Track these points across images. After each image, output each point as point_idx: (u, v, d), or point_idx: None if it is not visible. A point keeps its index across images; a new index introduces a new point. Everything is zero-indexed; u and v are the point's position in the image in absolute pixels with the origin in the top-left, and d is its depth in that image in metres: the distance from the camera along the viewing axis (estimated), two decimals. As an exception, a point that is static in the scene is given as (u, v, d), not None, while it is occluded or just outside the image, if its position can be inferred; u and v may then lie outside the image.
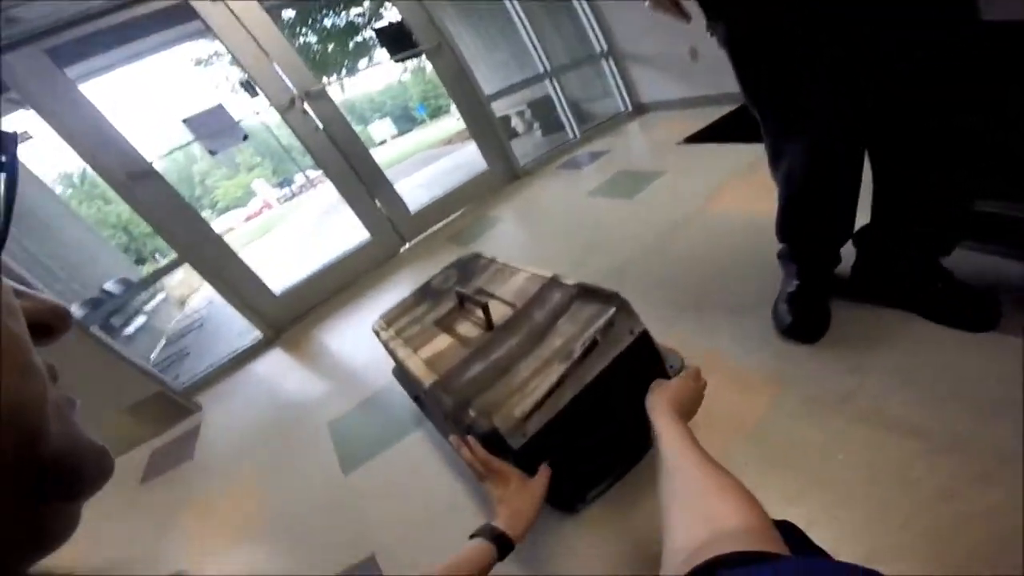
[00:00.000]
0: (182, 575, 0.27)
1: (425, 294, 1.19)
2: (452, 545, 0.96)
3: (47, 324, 0.21)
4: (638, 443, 0.95)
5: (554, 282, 0.95)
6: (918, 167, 0.89)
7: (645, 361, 0.86)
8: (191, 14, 2.35)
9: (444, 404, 0.82)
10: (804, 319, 1.06)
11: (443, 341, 0.97)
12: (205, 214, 2.65)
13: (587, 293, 0.87)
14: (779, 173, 1.02)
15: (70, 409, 0.21)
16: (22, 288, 0.20)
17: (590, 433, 0.84)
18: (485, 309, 0.93)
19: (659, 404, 0.72)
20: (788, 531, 0.55)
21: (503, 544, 0.69)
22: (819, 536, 0.71)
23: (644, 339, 0.85)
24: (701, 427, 0.96)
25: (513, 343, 0.86)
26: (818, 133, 0.90)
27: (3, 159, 0.21)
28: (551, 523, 0.93)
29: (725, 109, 2.76)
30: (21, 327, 0.19)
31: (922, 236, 0.96)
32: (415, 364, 0.94)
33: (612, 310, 0.81)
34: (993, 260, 1.03)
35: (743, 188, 1.85)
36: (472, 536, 0.71)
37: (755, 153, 2.03)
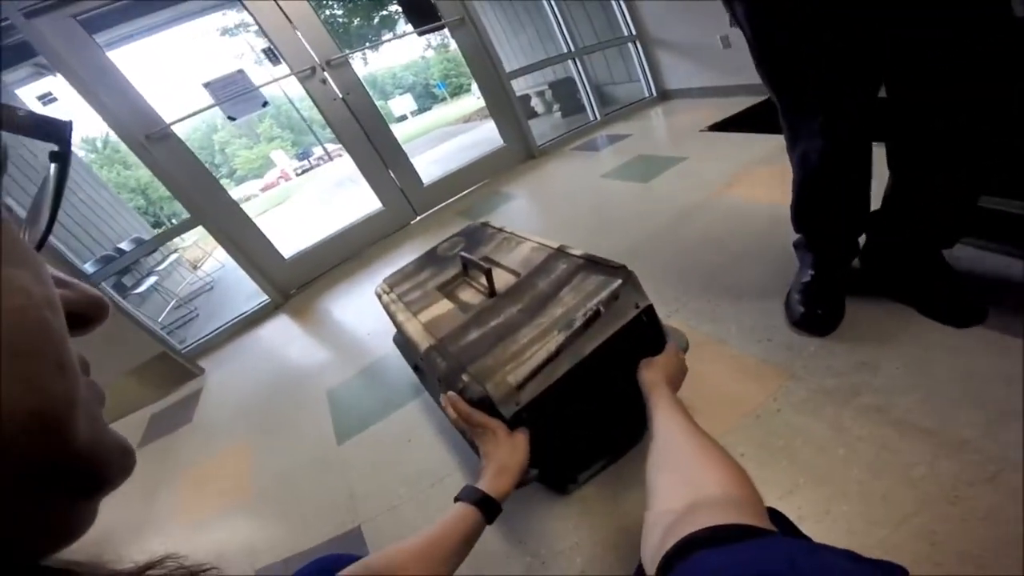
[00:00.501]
0: (172, 556, 0.26)
1: (430, 260, 1.17)
2: (436, 519, 0.98)
3: (85, 315, 0.21)
4: (635, 427, 0.93)
5: (560, 252, 0.92)
6: (927, 160, 0.87)
7: (648, 338, 0.83)
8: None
9: (439, 368, 0.80)
10: (817, 311, 1.03)
11: (444, 306, 0.95)
12: (224, 182, 2.65)
13: (593, 264, 0.84)
14: (795, 155, 1.00)
15: (98, 405, 0.20)
16: (62, 276, 0.20)
17: (586, 408, 0.82)
18: (488, 275, 0.91)
19: (653, 377, 0.71)
20: (774, 519, 0.54)
21: (489, 506, 0.65)
22: (812, 529, 0.70)
23: (649, 315, 0.81)
24: (702, 413, 0.96)
25: (514, 311, 0.83)
26: (832, 113, 0.88)
27: (58, 148, 0.21)
28: (542, 504, 0.93)
29: (753, 100, 2.68)
30: (60, 321, 0.18)
31: (926, 227, 0.94)
32: (414, 328, 0.92)
33: (618, 282, 0.78)
34: (995, 257, 1.01)
35: (762, 177, 1.80)
36: (456, 500, 0.67)
37: (779, 143, 1.97)
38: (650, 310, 0.82)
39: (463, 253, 1.03)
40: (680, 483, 0.43)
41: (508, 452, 0.70)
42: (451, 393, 0.74)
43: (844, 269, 1.08)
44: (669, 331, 0.90)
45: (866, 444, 0.79)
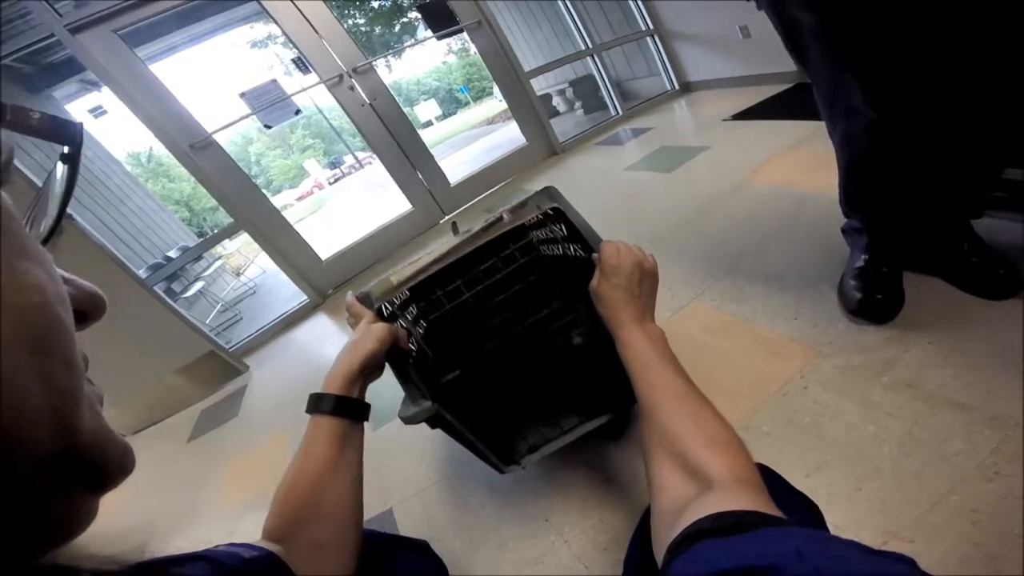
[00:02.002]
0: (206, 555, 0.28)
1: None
2: (465, 501, 1.02)
3: (83, 311, 0.21)
4: (604, 393, 0.80)
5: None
6: (957, 127, 0.82)
7: (566, 256, 0.70)
8: (246, -3, 2.47)
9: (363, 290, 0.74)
10: (876, 296, 0.97)
11: (422, 262, 0.87)
12: (262, 193, 2.79)
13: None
14: (836, 136, 0.96)
15: (99, 402, 0.21)
16: (63, 273, 0.20)
17: (494, 335, 0.71)
18: (454, 226, 0.84)
19: (611, 316, 0.59)
20: (764, 476, 0.53)
21: (337, 405, 0.57)
22: (843, 508, 0.71)
23: (556, 218, 0.69)
24: (728, 392, 0.95)
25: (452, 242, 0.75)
26: (875, 83, 0.83)
27: (68, 150, 0.22)
28: (568, 481, 0.94)
29: (776, 88, 2.62)
30: (70, 318, 0.19)
31: (954, 197, 0.90)
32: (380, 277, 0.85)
33: (531, 191, 0.71)
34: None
35: (790, 162, 1.76)
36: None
37: (807, 129, 1.94)
38: (557, 213, 0.69)
39: (454, 221, 0.97)
40: (681, 469, 0.42)
41: (356, 336, 0.63)
42: (350, 292, 0.72)
43: (900, 250, 1.01)
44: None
45: (897, 420, 0.78)
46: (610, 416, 0.82)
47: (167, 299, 2.37)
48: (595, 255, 0.66)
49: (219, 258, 6.11)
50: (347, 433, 0.57)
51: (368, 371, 0.62)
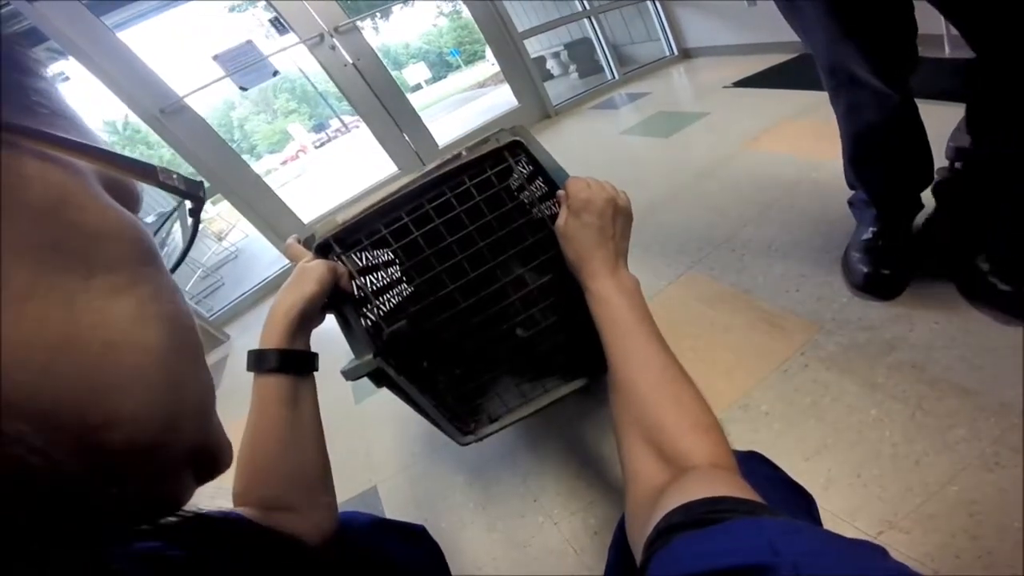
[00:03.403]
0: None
1: None
2: (451, 478, 0.98)
3: None
4: (574, 356, 0.71)
5: None
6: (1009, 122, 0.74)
7: (525, 190, 0.63)
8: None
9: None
10: (883, 271, 0.92)
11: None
12: (245, 158, 2.68)
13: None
14: (840, 106, 0.92)
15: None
16: None
17: (444, 280, 0.62)
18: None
19: (578, 260, 0.53)
20: (757, 462, 0.50)
21: (280, 360, 0.50)
22: (839, 496, 0.68)
23: (517, 151, 0.62)
24: (726, 367, 0.92)
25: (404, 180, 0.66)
26: (880, 58, 0.79)
27: (193, 205, 0.27)
28: (558, 462, 0.91)
29: (781, 58, 2.52)
30: (199, 334, 0.22)
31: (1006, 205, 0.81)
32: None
33: (495, 131, 0.64)
34: None
35: (792, 130, 1.70)
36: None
37: (811, 98, 1.86)
38: (518, 146, 0.62)
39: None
40: (657, 455, 0.39)
41: (292, 279, 0.56)
42: (292, 237, 0.66)
43: (909, 224, 0.97)
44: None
45: (900, 404, 0.75)
46: (585, 381, 0.71)
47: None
48: (560, 192, 0.58)
49: (200, 223, 5.94)
50: (297, 388, 0.51)
51: (309, 316, 0.54)
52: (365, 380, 0.62)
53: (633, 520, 0.38)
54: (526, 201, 0.69)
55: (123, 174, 0.21)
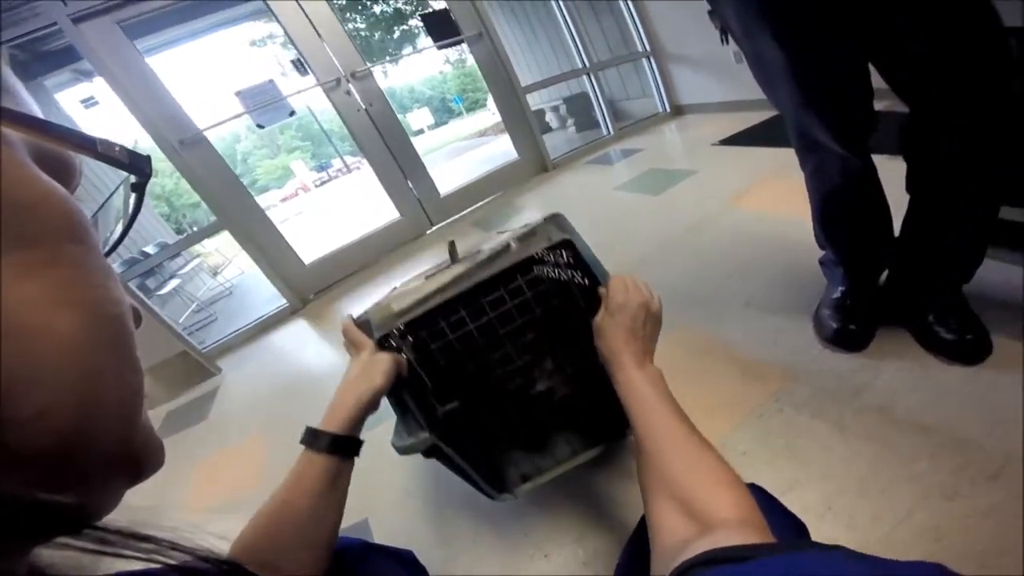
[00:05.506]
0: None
1: (443, 262, 1.14)
2: (443, 513, 1.01)
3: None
4: (597, 425, 0.80)
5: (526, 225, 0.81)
6: (941, 178, 0.83)
7: (573, 288, 0.68)
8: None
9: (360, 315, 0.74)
10: (850, 326, 1.00)
11: (416, 284, 0.85)
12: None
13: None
14: (807, 169, 1.00)
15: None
16: None
17: (494, 367, 0.69)
18: (451, 245, 0.82)
19: (612, 354, 0.58)
20: (757, 492, 0.53)
21: (333, 444, 0.55)
22: (813, 524, 0.72)
23: (566, 249, 0.67)
24: (704, 412, 0.97)
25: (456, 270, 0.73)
26: (840, 125, 0.86)
27: (138, 180, 0.25)
28: (549, 496, 0.94)
29: (766, 114, 2.71)
30: (132, 325, 0.20)
31: (942, 256, 0.90)
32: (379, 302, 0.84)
33: (539, 220, 0.69)
34: (1014, 271, 1.00)
35: (771, 190, 1.83)
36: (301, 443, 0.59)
37: (789, 156, 1.98)
38: (569, 246, 0.67)
39: (451, 240, 0.91)
40: (683, 511, 0.41)
41: (360, 369, 0.63)
42: (347, 314, 0.71)
43: (874, 284, 1.05)
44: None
45: (866, 442, 0.81)
46: (602, 448, 0.81)
47: (141, 296, 2.32)
48: (602, 289, 0.66)
49: (197, 256, 6.00)
50: (339, 470, 0.56)
51: (373, 406, 0.61)
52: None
53: (657, 564, 0.39)
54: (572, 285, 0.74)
55: (56, 144, 0.19)
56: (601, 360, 0.61)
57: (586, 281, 0.69)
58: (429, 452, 0.70)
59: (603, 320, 0.62)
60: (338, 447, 0.56)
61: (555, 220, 0.70)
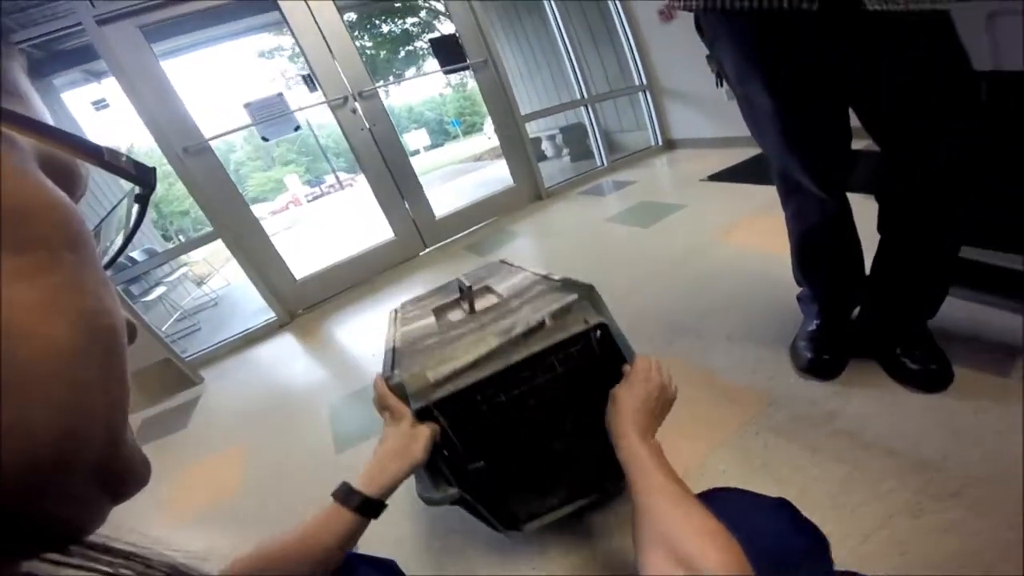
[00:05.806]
0: None
1: (446, 288, 1.18)
2: (431, 532, 1.02)
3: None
4: (595, 474, 0.87)
5: (545, 278, 0.91)
6: (909, 218, 0.89)
7: (599, 361, 0.74)
8: (271, 5, 2.56)
9: (385, 364, 0.80)
10: (824, 357, 1.06)
11: (427, 322, 0.94)
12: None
13: (561, 283, 0.82)
14: (789, 210, 1.07)
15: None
16: None
17: (519, 429, 0.77)
18: (470, 295, 0.89)
19: (621, 422, 0.63)
20: (733, 495, 0.60)
21: (366, 506, 0.60)
22: None
23: (601, 332, 0.73)
24: (686, 434, 1.02)
25: (476, 325, 0.80)
26: (820, 171, 0.93)
27: (141, 191, 0.24)
28: (512, 547, 0.95)
29: (753, 151, 2.83)
30: (125, 340, 0.20)
31: (909, 291, 0.96)
32: (391, 336, 0.92)
33: (572, 297, 0.74)
34: (975, 307, 1.08)
35: (757, 226, 1.92)
36: (333, 495, 0.63)
37: (772, 193, 2.09)
38: (603, 329, 0.73)
39: (462, 278, 1.00)
40: (673, 559, 0.43)
41: (402, 441, 0.67)
42: (379, 373, 0.74)
43: (846, 319, 1.12)
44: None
45: (838, 463, 0.86)
46: (597, 496, 0.89)
47: (128, 301, 2.30)
48: (627, 367, 0.72)
49: (184, 264, 5.95)
50: (360, 528, 0.61)
51: (409, 475, 0.66)
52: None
53: None
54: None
55: (63, 151, 0.19)
56: (607, 424, 0.66)
57: (608, 360, 0.75)
58: (454, 502, 0.75)
59: (620, 391, 0.67)
60: (367, 509, 0.61)
61: (589, 296, 0.76)
